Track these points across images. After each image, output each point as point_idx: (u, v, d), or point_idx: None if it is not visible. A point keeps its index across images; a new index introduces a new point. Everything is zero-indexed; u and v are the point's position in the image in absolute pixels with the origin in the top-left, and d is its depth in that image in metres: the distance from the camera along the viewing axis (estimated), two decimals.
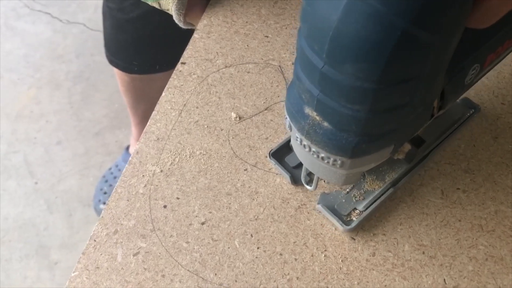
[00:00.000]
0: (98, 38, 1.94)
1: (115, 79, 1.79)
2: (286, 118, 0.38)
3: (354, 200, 0.45)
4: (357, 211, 0.45)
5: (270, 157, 0.47)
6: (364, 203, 0.45)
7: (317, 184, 0.44)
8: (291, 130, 0.38)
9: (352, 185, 0.46)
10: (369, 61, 0.27)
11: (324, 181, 0.47)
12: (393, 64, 0.27)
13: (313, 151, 0.36)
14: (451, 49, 0.30)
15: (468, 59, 0.37)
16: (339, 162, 0.35)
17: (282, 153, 0.48)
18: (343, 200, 0.45)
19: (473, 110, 0.50)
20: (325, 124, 0.33)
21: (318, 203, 0.45)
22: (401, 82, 0.29)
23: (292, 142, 0.40)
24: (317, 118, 0.33)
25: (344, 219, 0.44)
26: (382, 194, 0.45)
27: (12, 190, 1.52)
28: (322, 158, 0.36)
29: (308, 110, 0.34)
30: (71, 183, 1.55)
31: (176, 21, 0.58)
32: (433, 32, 0.26)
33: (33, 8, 2.04)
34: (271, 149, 0.48)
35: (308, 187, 0.45)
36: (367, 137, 0.33)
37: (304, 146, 0.37)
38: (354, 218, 0.44)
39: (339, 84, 0.29)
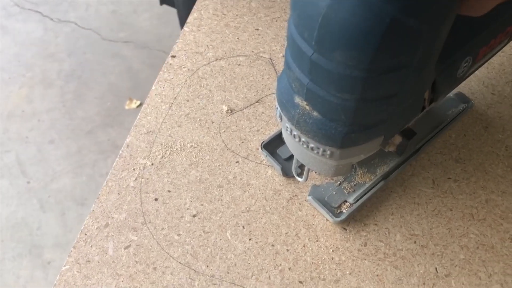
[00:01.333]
0: (90, 37, 1.93)
1: (107, 78, 1.79)
2: (277, 108, 0.37)
3: (345, 193, 0.45)
4: (347, 203, 0.44)
5: (262, 149, 0.47)
6: (355, 195, 0.45)
7: (307, 176, 0.44)
8: (281, 120, 0.38)
9: (343, 178, 0.46)
10: (358, 48, 0.27)
11: (316, 173, 0.47)
12: (382, 52, 0.27)
13: (303, 141, 0.36)
14: (441, 38, 0.30)
15: (460, 51, 0.37)
16: (328, 152, 0.35)
17: (274, 145, 0.48)
18: (334, 192, 0.45)
19: (466, 105, 0.50)
20: (315, 113, 0.33)
21: (308, 195, 0.45)
22: (391, 71, 0.29)
23: (283, 133, 0.39)
24: (307, 107, 0.33)
25: (334, 211, 0.44)
26: (373, 187, 0.45)
27: (5, 190, 1.51)
28: (312, 149, 0.36)
29: (298, 100, 0.34)
30: (64, 182, 1.54)
31: None
32: (422, 19, 0.26)
33: (23, 7, 2.03)
34: (263, 141, 0.48)
35: (299, 178, 0.45)
36: (357, 127, 0.33)
37: (294, 136, 0.37)
38: (344, 210, 0.44)
39: (328, 72, 0.29)
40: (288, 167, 0.47)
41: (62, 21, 1.99)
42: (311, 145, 0.36)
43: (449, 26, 0.30)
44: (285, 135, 0.39)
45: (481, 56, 0.40)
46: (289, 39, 0.32)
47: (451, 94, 0.50)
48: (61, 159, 1.59)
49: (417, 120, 0.47)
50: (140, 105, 1.73)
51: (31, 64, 1.83)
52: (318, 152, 0.36)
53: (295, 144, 0.38)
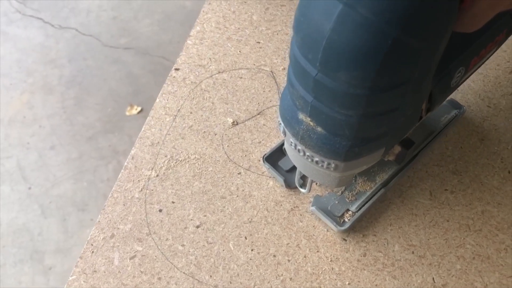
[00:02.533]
0: (91, 43, 1.95)
1: (108, 83, 1.80)
2: (280, 123, 0.39)
3: (347, 201, 0.46)
4: (350, 212, 0.46)
5: (264, 162, 0.48)
6: (357, 204, 0.46)
7: (311, 187, 0.45)
8: (285, 135, 0.39)
9: (344, 187, 0.47)
10: (362, 68, 0.28)
11: (316, 184, 0.48)
12: (384, 71, 0.28)
13: (307, 155, 0.37)
14: (439, 54, 0.32)
15: (454, 63, 0.38)
16: (333, 165, 0.37)
17: (275, 157, 0.49)
18: (336, 202, 0.46)
19: (458, 111, 0.52)
20: (319, 129, 0.35)
21: (312, 206, 0.46)
22: (392, 88, 0.30)
23: (286, 147, 0.41)
24: (311, 123, 0.35)
25: (338, 220, 0.45)
26: (373, 195, 0.46)
27: (6, 196, 1.52)
28: (316, 162, 0.37)
29: (302, 116, 0.35)
30: (65, 187, 1.55)
31: None
32: (421, 38, 0.28)
33: (24, 13, 2.04)
34: (265, 153, 0.49)
35: (302, 190, 0.46)
36: (360, 140, 0.35)
37: (299, 150, 0.38)
38: (346, 219, 0.45)
39: (332, 91, 0.31)
40: (290, 178, 0.48)
41: (63, 28, 2.00)
42: (316, 159, 0.37)
43: (446, 42, 0.31)
44: (289, 149, 0.40)
45: (472, 65, 0.41)
46: (292, 59, 0.33)
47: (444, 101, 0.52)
48: (62, 164, 1.60)
49: (414, 129, 0.48)
50: (141, 111, 1.74)
51: (32, 70, 1.85)
52: (322, 166, 0.37)
53: (299, 158, 0.39)
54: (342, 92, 0.30)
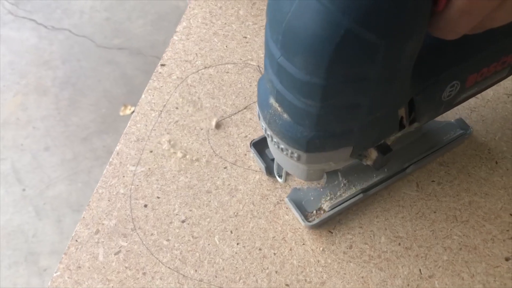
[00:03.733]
0: (84, 44, 1.94)
1: (102, 84, 1.80)
2: (257, 106, 0.39)
3: (322, 200, 0.46)
4: (322, 210, 0.45)
5: (251, 147, 0.48)
6: (331, 203, 0.45)
7: (286, 177, 0.45)
8: (259, 119, 0.39)
9: (325, 185, 0.47)
10: (315, 56, 0.28)
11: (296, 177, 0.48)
12: (337, 61, 0.28)
13: (274, 141, 0.37)
14: (408, 56, 0.30)
15: (444, 74, 0.37)
16: (296, 155, 0.36)
17: (263, 144, 0.49)
18: (311, 198, 0.46)
19: (463, 131, 0.49)
20: (285, 115, 0.34)
21: (287, 197, 0.46)
22: (349, 81, 0.30)
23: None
24: (278, 108, 0.35)
25: (308, 216, 0.45)
26: (350, 198, 0.45)
27: (0, 198, 1.51)
28: (282, 149, 0.37)
29: (272, 100, 0.35)
30: (60, 189, 1.55)
31: None
32: (379, 34, 0.27)
33: (17, 14, 2.04)
34: (253, 139, 0.48)
35: (279, 179, 0.46)
36: (322, 133, 0.34)
37: (267, 135, 0.38)
38: (316, 216, 0.45)
39: (292, 77, 0.30)
40: (272, 167, 0.48)
41: (56, 29, 2.00)
42: (281, 146, 0.37)
43: (417, 44, 0.30)
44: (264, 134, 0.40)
45: (471, 83, 0.39)
46: (264, 42, 0.33)
47: (452, 119, 0.50)
48: (57, 166, 1.60)
49: (412, 141, 0.47)
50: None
51: (25, 71, 1.84)
52: (287, 154, 0.37)
53: (270, 143, 0.39)
54: (300, 78, 0.30)
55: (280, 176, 0.46)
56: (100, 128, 1.70)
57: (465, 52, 0.37)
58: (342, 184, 0.46)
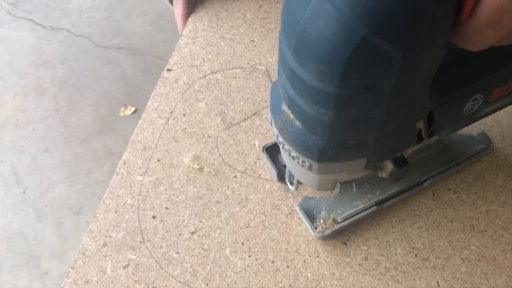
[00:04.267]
0: (83, 44, 1.93)
1: (101, 84, 1.78)
2: (270, 112, 0.37)
3: (335, 211, 0.44)
4: (335, 220, 0.44)
5: (263, 151, 0.47)
6: (343, 215, 0.44)
7: (297, 185, 0.44)
8: (271, 125, 0.37)
9: (339, 195, 0.45)
10: (329, 62, 0.27)
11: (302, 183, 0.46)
12: (351, 69, 0.27)
13: (286, 149, 0.36)
14: (426, 67, 0.29)
15: (467, 87, 0.35)
16: (307, 164, 0.35)
17: (276, 150, 0.47)
18: (323, 208, 0.44)
19: (485, 146, 0.47)
20: (297, 123, 0.33)
21: (297, 205, 0.44)
22: (364, 91, 0.28)
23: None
24: (291, 115, 0.33)
25: (318, 226, 0.43)
26: (363, 210, 0.44)
27: (0, 200, 1.50)
28: (293, 157, 0.36)
29: (284, 107, 0.34)
30: (60, 190, 1.53)
31: None
32: (395, 44, 0.25)
33: (15, 15, 2.02)
34: (266, 144, 0.47)
35: (290, 187, 0.45)
36: (334, 143, 0.33)
37: (279, 142, 0.36)
38: (328, 227, 0.43)
39: (305, 83, 0.29)
40: (284, 173, 0.46)
41: (54, 29, 1.98)
42: (292, 154, 0.36)
43: (435, 56, 0.29)
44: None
45: (496, 96, 0.37)
46: (279, 45, 0.32)
47: (474, 133, 0.49)
48: (56, 167, 1.58)
49: (431, 153, 0.46)
50: (135, 111, 1.72)
51: (24, 72, 1.82)
52: (298, 162, 0.36)
53: (282, 150, 0.38)
54: (312, 85, 0.29)
55: (291, 184, 0.45)
56: (99, 128, 1.69)
57: (491, 64, 0.35)
58: (356, 195, 0.45)
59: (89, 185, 1.56)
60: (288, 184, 0.46)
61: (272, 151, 0.47)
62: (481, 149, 0.47)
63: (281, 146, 0.37)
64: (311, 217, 0.44)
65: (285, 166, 0.46)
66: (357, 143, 0.33)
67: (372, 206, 0.44)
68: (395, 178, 0.39)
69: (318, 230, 0.43)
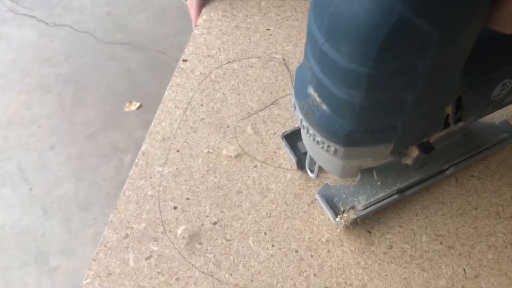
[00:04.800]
0: (86, 40, 1.92)
1: (105, 80, 1.78)
2: (293, 97, 0.37)
3: (355, 198, 0.44)
4: (355, 208, 0.43)
5: (282, 139, 0.46)
6: (364, 202, 0.43)
7: (318, 173, 0.43)
8: (294, 110, 0.37)
9: (359, 182, 0.45)
10: (363, 42, 0.26)
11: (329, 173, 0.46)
12: (386, 49, 0.26)
13: (310, 133, 0.35)
14: (462, 49, 0.29)
15: (497, 71, 0.35)
16: (332, 149, 0.34)
17: (295, 137, 0.47)
18: (344, 196, 0.44)
19: (508, 134, 0.47)
20: (324, 106, 0.33)
21: (317, 193, 0.44)
22: (398, 73, 0.28)
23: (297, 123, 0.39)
24: (317, 99, 0.33)
25: (340, 214, 0.43)
26: (385, 198, 0.44)
27: (7, 198, 1.50)
28: (318, 142, 0.35)
29: (310, 90, 0.33)
30: (66, 187, 1.53)
31: None
32: (434, 23, 0.25)
33: (17, 12, 2.01)
34: (285, 131, 0.47)
35: (310, 174, 0.44)
36: (363, 127, 0.32)
37: (303, 126, 0.36)
38: (350, 215, 0.43)
39: (336, 64, 0.28)
40: (304, 160, 0.46)
41: (57, 25, 1.97)
42: (317, 138, 0.35)
43: (471, 38, 0.28)
44: (299, 126, 0.38)
45: None
46: (307, 26, 0.31)
47: (496, 121, 0.48)
48: (63, 164, 1.58)
49: (453, 141, 0.45)
50: (140, 107, 1.71)
51: (28, 69, 1.82)
52: (323, 147, 0.35)
53: (305, 135, 0.37)
54: (344, 66, 0.28)
55: (311, 171, 0.44)
56: (105, 125, 1.68)
57: None
58: (377, 183, 0.44)
59: (95, 181, 1.55)
60: (308, 171, 0.45)
61: (291, 138, 0.47)
62: (504, 137, 0.47)
63: (305, 131, 0.36)
64: (332, 206, 0.43)
65: (304, 154, 0.46)
66: (386, 127, 0.33)
67: (393, 194, 0.44)
68: (420, 165, 0.38)
69: (339, 218, 0.42)
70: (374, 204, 0.43)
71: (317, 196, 0.44)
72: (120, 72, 1.83)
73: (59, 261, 1.40)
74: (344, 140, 0.33)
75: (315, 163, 0.43)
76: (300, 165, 0.46)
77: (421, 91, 0.30)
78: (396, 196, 0.44)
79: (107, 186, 1.54)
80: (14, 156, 1.59)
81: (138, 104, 1.72)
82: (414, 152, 0.38)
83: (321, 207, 0.44)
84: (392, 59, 0.27)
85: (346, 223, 0.42)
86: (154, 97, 1.74)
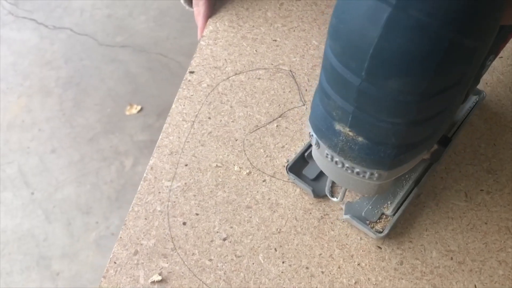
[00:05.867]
0: (86, 42, 1.91)
1: (106, 84, 1.77)
2: (312, 135, 0.36)
3: (380, 206, 0.44)
4: (385, 216, 0.44)
5: (288, 173, 0.46)
6: (392, 207, 0.44)
7: (344, 196, 0.43)
8: (318, 148, 0.36)
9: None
10: (415, 74, 0.26)
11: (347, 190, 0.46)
12: (439, 75, 0.27)
13: (347, 167, 0.35)
14: (488, 49, 0.30)
15: (489, 53, 0.37)
16: (376, 175, 0.34)
17: (298, 166, 0.47)
18: (370, 207, 0.44)
19: (477, 97, 0.51)
20: (360, 139, 0.32)
21: (345, 214, 0.44)
22: (444, 91, 0.28)
23: (318, 158, 0.38)
24: (350, 134, 0.32)
25: (373, 226, 0.43)
26: (407, 195, 0.44)
27: (9, 202, 1.49)
28: (357, 173, 0.35)
29: (339, 127, 0.33)
30: (68, 191, 1.53)
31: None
32: (476, 38, 0.26)
33: (17, 15, 2.00)
34: (287, 164, 0.46)
35: (333, 199, 0.44)
36: (405, 147, 0.32)
37: (336, 162, 0.35)
38: (382, 225, 0.43)
39: (379, 100, 0.28)
40: (317, 187, 0.46)
41: (57, 28, 1.96)
42: (357, 170, 0.35)
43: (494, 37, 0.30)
44: (323, 161, 0.37)
45: (499, 51, 0.40)
46: (328, 69, 0.31)
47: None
48: (64, 168, 1.58)
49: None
50: (141, 110, 1.71)
51: (28, 72, 1.81)
52: (364, 176, 0.35)
53: (335, 169, 0.37)
54: (390, 100, 0.28)
55: (333, 196, 0.44)
56: (106, 128, 1.68)
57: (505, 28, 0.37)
58: (393, 183, 0.44)
59: (97, 185, 1.55)
60: (330, 197, 0.44)
61: (294, 168, 0.47)
62: (475, 101, 0.50)
63: (338, 166, 0.36)
64: (363, 220, 0.43)
65: (313, 180, 0.46)
66: (423, 139, 0.33)
67: (412, 189, 0.44)
68: (438, 158, 0.39)
69: (376, 230, 0.42)
70: (401, 204, 0.44)
71: (347, 217, 0.44)
72: (120, 75, 1.82)
73: (61, 266, 1.39)
74: (390, 164, 0.33)
75: (332, 186, 0.43)
76: (317, 193, 0.46)
77: (459, 98, 0.31)
78: (416, 189, 0.45)
79: (109, 189, 1.53)
80: (15, 160, 1.58)
81: (139, 107, 1.72)
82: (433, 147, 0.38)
83: (333, 223, 0.44)
84: (442, 82, 0.27)
85: (385, 232, 0.42)
86: (155, 100, 1.74)
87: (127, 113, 1.71)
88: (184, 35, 1.93)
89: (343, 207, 0.44)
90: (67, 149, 1.62)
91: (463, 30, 0.25)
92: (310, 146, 0.47)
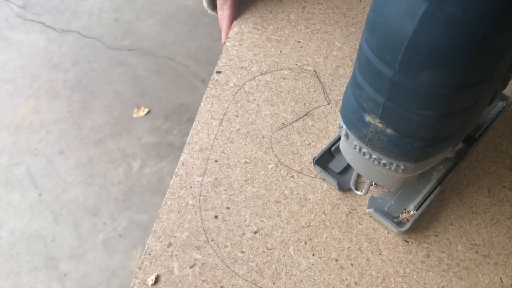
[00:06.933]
0: (94, 45, 1.93)
1: (114, 86, 1.79)
2: (342, 126, 0.38)
3: (404, 201, 0.45)
4: (407, 211, 0.45)
5: (314, 165, 0.47)
6: (415, 203, 0.45)
7: (368, 189, 0.44)
8: (347, 139, 0.38)
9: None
10: (447, 68, 0.28)
11: (372, 185, 0.47)
12: (471, 69, 0.28)
13: (374, 158, 0.36)
14: None
15: None
16: (402, 167, 0.36)
17: (325, 159, 0.48)
18: (393, 202, 0.46)
19: (504, 103, 0.51)
20: (389, 130, 0.34)
21: (368, 208, 0.45)
22: (475, 85, 0.30)
23: (346, 150, 0.40)
24: (380, 125, 0.34)
25: (396, 221, 0.44)
26: (430, 193, 0.46)
27: (17, 203, 1.50)
28: (384, 164, 0.36)
29: (369, 118, 0.34)
30: (76, 192, 1.54)
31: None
32: (508, 34, 0.27)
33: (26, 18, 2.02)
34: (315, 157, 0.48)
35: (358, 192, 0.45)
36: (433, 141, 0.34)
37: (364, 153, 0.37)
38: (406, 220, 0.44)
39: (411, 92, 0.30)
40: (342, 181, 0.47)
41: (65, 31, 1.98)
42: (384, 161, 0.36)
43: None
44: (351, 152, 0.39)
45: None
46: (362, 61, 0.32)
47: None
48: (72, 169, 1.59)
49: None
50: (149, 112, 1.72)
51: (36, 75, 1.82)
52: (390, 168, 0.36)
53: (362, 161, 0.38)
54: (422, 92, 0.29)
55: (357, 189, 0.46)
56: (113, 130, 1.69)
57: None
58: (418, 182, 0.46)
59: (105, 186, 1.56)
60: (355, 190, 0.46)
61: (321, 161, 0.48)
62: (502, 107, 0.50)
63: (366, 156, 0.37)
64: (386, 215, 0.45)
65: (338, 173, 0.47)
66: (451, 134, 0.34)
67: (436, 187, 0.45)
68: (462, 156, 0.40)
69: (398, 225, 0.44)
70: (424, 201, 0.45)
71: (370, 211, 0.45)
72: (128, 78, 1.84)
73: (69, 266, 1.40)
74: (417, 157, 0.34)
75: (357, 180, 0.45)
76: (342, 187, 0.47)
77: (487, 94, 0.32)
78: (439, 188, 0.46)
79: (116, 191, 1.54)
80: (23, 161, 1.60)
81: (146, 110, 1.73)
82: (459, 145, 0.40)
83: (361, 217, 0.45)
84: (472, 76, 0.29)
85: (407, 227, 0.43)
86: (162, 103, 1.75)
87: (135, 115, 1.72)
88: (191, 38, 1.95)
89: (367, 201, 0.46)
90: (75, 151, 1.63)
91: (496, 27, 0.26)
92: (337, 140, 0.48)
